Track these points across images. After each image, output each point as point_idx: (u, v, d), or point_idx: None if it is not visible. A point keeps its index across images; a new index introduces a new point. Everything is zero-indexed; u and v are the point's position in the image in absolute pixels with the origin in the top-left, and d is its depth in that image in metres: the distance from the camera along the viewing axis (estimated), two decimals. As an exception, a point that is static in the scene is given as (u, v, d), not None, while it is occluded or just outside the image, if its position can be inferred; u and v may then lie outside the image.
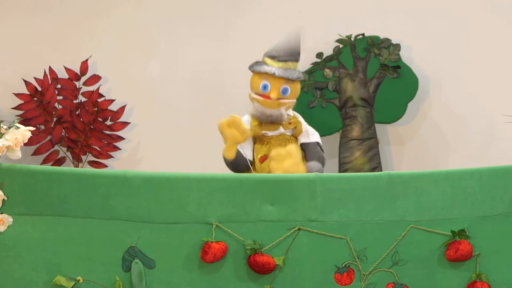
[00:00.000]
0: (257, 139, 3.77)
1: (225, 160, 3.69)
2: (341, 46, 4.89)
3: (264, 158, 3.72)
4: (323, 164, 3.79)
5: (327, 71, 4.85)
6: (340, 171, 4.77)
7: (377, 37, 4.86)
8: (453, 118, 4.98)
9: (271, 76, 3.70)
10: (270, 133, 3.76)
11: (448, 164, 4.91)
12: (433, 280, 3.09)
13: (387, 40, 4.85)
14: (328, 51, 4.91)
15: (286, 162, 3.50)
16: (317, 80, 4.84)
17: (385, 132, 5.02)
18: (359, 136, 4.82)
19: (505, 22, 4.91)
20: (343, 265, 3.08)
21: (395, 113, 4.88)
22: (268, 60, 3.76)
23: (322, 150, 3.84)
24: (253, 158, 3.76)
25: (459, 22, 4.93)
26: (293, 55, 3.76)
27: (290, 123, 3.77)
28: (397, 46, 4.84)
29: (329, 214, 3.08)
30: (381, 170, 4.75)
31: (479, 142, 4.97)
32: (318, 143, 3.84)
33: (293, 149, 3.53)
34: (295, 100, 3.79)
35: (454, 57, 4.94)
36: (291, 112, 3.83)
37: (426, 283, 3.09)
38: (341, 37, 4.88)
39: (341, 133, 4.89)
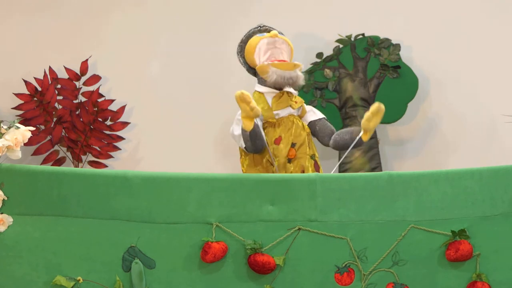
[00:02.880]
0: (266, 123, 3.76)
1: (243, 134, 3.64)
2: (341, 46, 4.89)
3: (279, 140, 3.72)
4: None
5: (327, 71, 4.85)
6: (340, 171, 4.76)
7: (377, 37, 4.86)
8: (453, 118, 4.98)
9: (273, 45, 3.77)
10: (281, 113, 3.76)
11: (448, 164, 4.91)
12: (433, 280, 3.09)
13: (387, 40, 4.85)
14: (328, 51, 4.91)
15: (375, 120, 3.55)
16: (317, 80, 4.84)
17: (385, 132, 5.02)
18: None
19: (505, 22, 4.91)
20: (343, 265, 3.08)
21: (395, 113, 4.88)
22: (258, 36, 3.86)
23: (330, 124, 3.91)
24: (267, 143, 3.72)
25: (459, 22, 4.93)
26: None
27: (296, 102, 3.79)
28: (397, 46, 4.84)
29: (329, 214, 3.08)
30: (381, 170, 4.75)
31: (479, 142, 4.97)
32: (325, 118, 3.87)
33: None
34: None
35: (454, 57, 4.94)
36: (296, 92, 3.85)
37: (426, 283, 3.09)
38: (341, 37, 4.88)
39: (341, 133, 4.89)
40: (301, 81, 3.76)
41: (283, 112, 3.77)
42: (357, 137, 3.65)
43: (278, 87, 3.76)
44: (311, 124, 3.85)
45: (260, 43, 3.81)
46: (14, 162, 3.14)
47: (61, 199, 3.09)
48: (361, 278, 3.09)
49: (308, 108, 3.89)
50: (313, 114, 3.87)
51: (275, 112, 3.77)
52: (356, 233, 3.08)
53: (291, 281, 3.09)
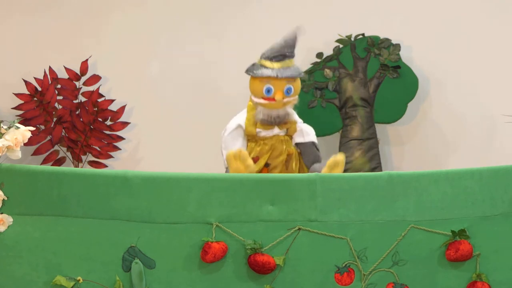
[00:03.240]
0: (249, 136, 3.75)
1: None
2: (341, 46, 4.89)
3: (256, 160, 3.70)
4: (320, 162, 3.78)
5: (327, 71, 4.85)
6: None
7: (377, 37, 4.86)
8: (453, 118, 4.98)
9: (273, 78, 3.67)
10: (264, 133, 3.74)
11: (448, 164, 4.91)
12: (433, 280, 3.09)
13: (387, 40, 4.84)
14: (328, 51, 4.91)
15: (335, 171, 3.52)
16: (317, 80, 4.84)
17: (385, 132, 5.02)
18: (359, 136, 4.82)
19: (505, 22, 4.91)
20: (343, 265, 3.08)
21: (395, 113, 4.88)
22: (265, 62, 3.72)
23: (318, 149, 3.82)
24: None
25: (459, 22, 4.93)
26: (289, 52, 3.72)
27: (285, 123, 3.76)
28: (397, 46, 4.84)
29: (329, 214, 3.08)
30: (381, 170, 4.75)
31: (479, 142, 4.97)
32: (313, 142, 3.82)
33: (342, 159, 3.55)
34: (297, 97, 3.77)
35: (454, 57, 4.94)
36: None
37: (426, 283, 3.09)
38: (341, 37, 4.88)
39: (341, 133, 4.89)
40: (290, 117, 3.73)
41: (267, 133, 3.75)
42: None
43: (266, 124, 3.73)
44: (297, 145, 3.81)
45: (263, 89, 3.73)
46: (14, 162, 3.14)
47: (61, 199, 3.09)
48: (361, 278, 3.09)
49: (299, 127, 3.81)
50: (301, 136, 3.80)
51: (257, 129, 3.74)
52: (356, 233, 3.08)
53: (291, 281, 3.09)
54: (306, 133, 3.81)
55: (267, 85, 3.67)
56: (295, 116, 3.81)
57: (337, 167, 3.52)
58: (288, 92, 3.69)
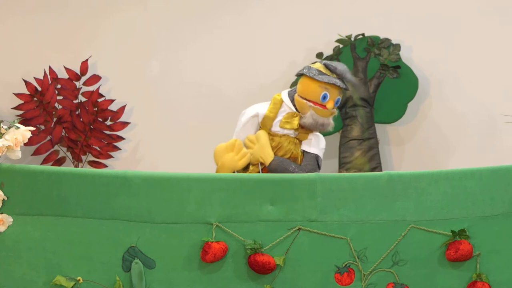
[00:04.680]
0: (263, 128, 3.75)
1: None
2: (341, 46, 4.89)
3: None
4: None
5: (327, 71, 4.84)
6: (340, 171, 4.77)
7: (377, 37, 4.86)
8: (453, 118, 4.98)
9: (331, 86, 3.68)
10: (278, 130, 3.74)
11: (448, 164, 4.92)
12: (433, 280, 3.09)
13: (387, 40, 4.85)
14: (328, 51, 4.91)
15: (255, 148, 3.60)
16: (317, 80, 4.83)
17: (385, 132, 5.02)
18: (359, 136, 4.82)
19: (505, 23, 4.91)
20: (343, 265, 3.08)
21: (395, 113, 4.88)
22: (323, 69, 3.73)
23: (319, 165, 3.80)
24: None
25: (459, 22, 4.94)
26: (344, 73, 3.74)
27: (290, 123, 3.76)
28: (397, 46, 4.84)
29: (329, 214, 3.08)
30: (381, 170, 4.76)
31: (479, 142, 4.97)
32: (317, 156, 3.81)
33: (263, 134, 3.63)
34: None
35: (454, 57, 4.94)
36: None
37: (427, 283, 3.09)
38: (341, 37, 4.89)
39: (341, 133, 4.89)
40: (330, 128, 3.75)
41: (281, 130, 3.75)
42: None
43: (307, 128, 3.73)
44: (302, 152, 3.81)
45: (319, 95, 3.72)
46: (14, 162, 3.14)
47: (61, 199, 3.09)
48: (361, 278, 3.09)
49: (310, 137, 3.78)
50: (308, 145, 3.77)
51: (274, 122, 3.74)
52: (356, 233, 3.08)
53: (291, 281, 3.09)
54: (314, 144, 3.79)
55: (325, 91, 3.68)
56: None
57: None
58: (337, 102, 3.72)
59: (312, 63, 3.79)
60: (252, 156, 3.66)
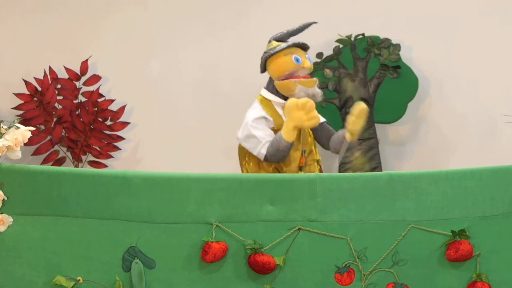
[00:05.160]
0: (276, 131, 3.74)
1: (279, 143, 3.63)
2: (341, 46, 4.89)
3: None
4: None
5: (327, 71, 4.85)
6: (340, 171, 4.77)
7: (377, 37, 4.86)
8: (453, 118, 4.98)
9: (294, 48, 3.71)
10: None
11: (448, 164, 4.92)
12: (433, 280, 3.09)
13: (387, 40, 4.85)
14: (328, 51, 4.91)
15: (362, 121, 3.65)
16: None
17: (385, 132, 5.02)
18: (359, 136, 4.82)
19: (505, 23, 4.92)
20: (343, 265, 3.08)
21: (395, 113, 4.89)
22: (276, 44, 3.77)
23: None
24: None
25: (459, 22, 4.94)
26: (295, 32, 3.81)
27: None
28: (397, 46, 4.84)
29: (329, 214, 3.08)
30: (381, 170, 4.76)
31: (479, 142, 4.97)
32: (326, 121, 3.93)
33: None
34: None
35: (454, 57, 4.94)
36: None
37: (426, 283, 3.09)
38: (341, 37, 4.89)
39: (341, 133, 4.89)
40: (320, 97, 3.76)
41: None
42: (345, 144, 3.75)
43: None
44: (313, 129, 3.84)
45: (294, 76, 3.74)
46: (14, 162, 3.14)
47: (61, 199, 3.09)
48: (361, 278, 3.09)
49: None
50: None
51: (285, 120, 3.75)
52: (356, 233, 3.08)
53: (291, 281, 3.09)
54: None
55: (293, 55, 3.70)
56: None
57: (362, 115, 3.64)
58: (309, 60, 3.75)
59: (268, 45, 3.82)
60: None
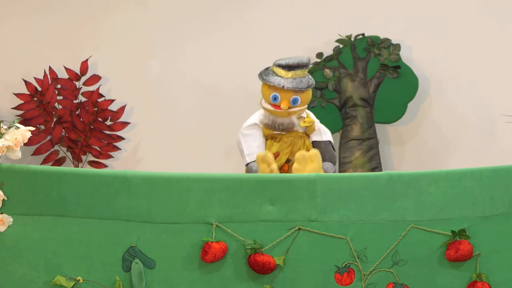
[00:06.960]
0: (268, 135, 3.76)
1: (249, 169, 3.72)
2: (341, 46, 4.89)
3: (277, 155, 3.72)
4: (334, 163, 3.80)
5: (327, 71, 4.85)
6: (340, 171, 4.77)
7: (377, 37, 4.86)
8: (453, 118, 4.98)
9: (279, 88, 3.68)
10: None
11: (448, 164, 4.92)
12: (433, 280, 3.09)
13: (387, 40, 4.85)
14: (328, 51, 4.91)
15: (309, 167, 3.50)
16: (317, 80, 4.83)
17: (385, 132, 5.02)
18: (359, 136, 4.82)
19: (505, 23, 4.92)
20: (343, 265, 3.08)
21: (395, 113, 4.89)
22: (277, 70, 3.71)
23: (334, 149, 3.84)
24: None
25: (459, 22, 4.94)
26: (301, 62, 3.72)
27: (304, 122, 3.77)
28: (397, 46, 4.84)
29: (329, 214, 3.08)
30: (381, 170, 4.76)
31: (479, 142, 4.97)
32: (330, 142, 3.84)
33: (317, 154, 3.54)
34: (305, 107, 3.77)
35: (454, 57, 4.94)
36: (305, 114, 3.80)
37: (427, 283, 3.09)
38: (341, 37, 4.89)
39: (341, 133, 4.89)
40: (296, 126, 3.74)
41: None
42: None
43: (268, 128, 3.75)
44: (314, 144, 3.82)
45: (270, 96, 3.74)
46: (14, 162, 3.14)
47: (61, 199, 3.09)
48: (361, 278, 3.09)
49: (318, 127, 3.81)
50: (319, 134, 3.80)
51: (276, 132, 3.75)
52: (356, 233, 3.08)
53: (291, 281, 3.09)
54: (323, 132, 3.83)
55: (274, 93, 3.68)
56: (313, 116, 3.83)
57: (307, 163, 3.53)
58: (294, 102, 3.69)
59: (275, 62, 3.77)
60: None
